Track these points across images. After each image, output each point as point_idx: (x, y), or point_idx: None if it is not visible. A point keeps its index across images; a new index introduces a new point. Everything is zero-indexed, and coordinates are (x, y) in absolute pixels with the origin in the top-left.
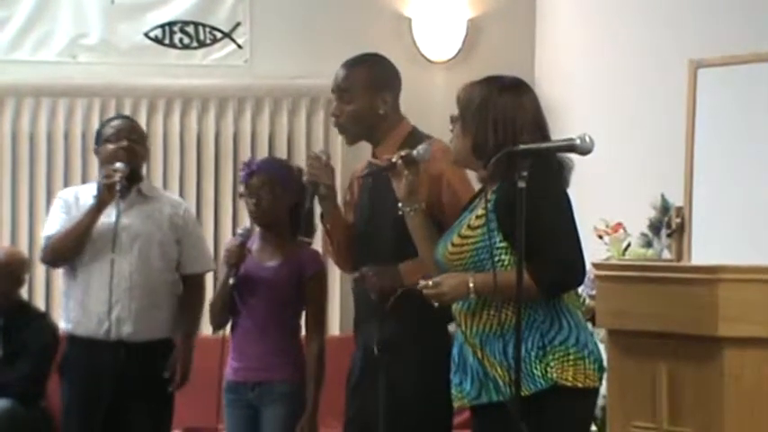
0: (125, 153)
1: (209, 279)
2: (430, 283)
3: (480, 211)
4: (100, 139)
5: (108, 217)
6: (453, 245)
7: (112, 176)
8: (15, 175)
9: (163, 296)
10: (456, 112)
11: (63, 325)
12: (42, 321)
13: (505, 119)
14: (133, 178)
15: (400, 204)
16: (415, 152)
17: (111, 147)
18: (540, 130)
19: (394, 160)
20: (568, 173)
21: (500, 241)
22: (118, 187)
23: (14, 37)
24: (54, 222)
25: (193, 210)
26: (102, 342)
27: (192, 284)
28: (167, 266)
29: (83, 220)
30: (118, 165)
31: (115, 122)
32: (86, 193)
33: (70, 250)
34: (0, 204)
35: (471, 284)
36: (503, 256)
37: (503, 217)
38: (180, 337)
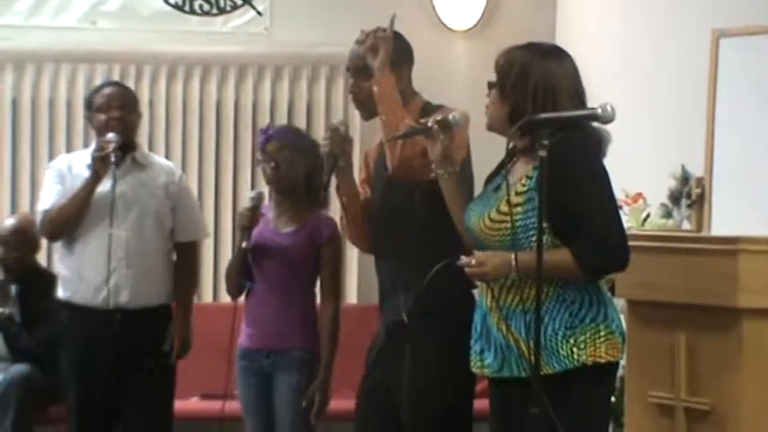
0: (117, 124)
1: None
2: (473, 261)
3: (520, 188)
4: (91, 106)
5: (104, 186)
6: (492, 220)
7: (106, 148)
8: (35, 141)
9: (158, 263)
10: (481, 80)
11: (60, 293)
12: None
13: (546, 86)
14: (127, 147)
15: (433, 167)
16: (450, 116)
17: (102, 117)
18: (579, 97)
19: (430, 125)
20: (606, 146)
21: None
22: (112, 159)
23: (35, 3)
24: (49, 195)
25: (211, 177)
26: (100, 310)
27: (186, 252)
28: (162, 234)
29: (79, 194)
30: (110, 135)
31: (106, 90)
32: (79, 161)
33: (68, 224)
34: (21, 170)
35: (514, 263)
36: (542, 236)
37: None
38: (177, 307)
